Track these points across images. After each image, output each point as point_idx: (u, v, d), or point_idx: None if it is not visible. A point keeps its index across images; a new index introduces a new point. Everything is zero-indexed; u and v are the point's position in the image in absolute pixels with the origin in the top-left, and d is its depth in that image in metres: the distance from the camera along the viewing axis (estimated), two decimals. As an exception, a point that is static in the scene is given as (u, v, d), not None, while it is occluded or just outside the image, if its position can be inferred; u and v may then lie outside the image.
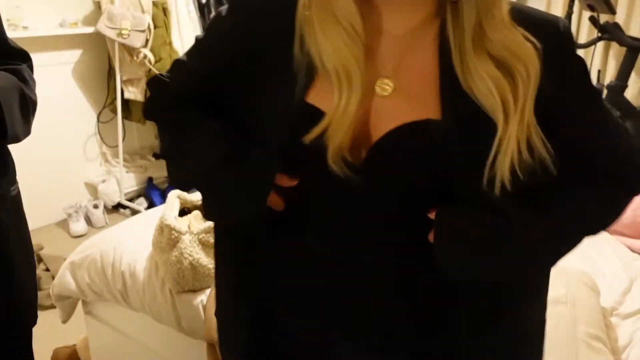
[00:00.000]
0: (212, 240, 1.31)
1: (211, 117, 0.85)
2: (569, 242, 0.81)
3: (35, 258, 2.88)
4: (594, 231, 0.83)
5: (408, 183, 0.77)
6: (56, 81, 3.37)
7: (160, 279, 1.66)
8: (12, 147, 1.34)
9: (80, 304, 1.98)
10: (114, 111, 3.55)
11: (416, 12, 0.76)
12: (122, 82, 3.41)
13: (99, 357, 2.05)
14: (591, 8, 2.79)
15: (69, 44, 3.41)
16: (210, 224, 1.57)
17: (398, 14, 0.76)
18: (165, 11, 3.34)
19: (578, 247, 0.81)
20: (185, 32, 3.41)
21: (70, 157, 3.56)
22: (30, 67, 1.36)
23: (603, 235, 1.98)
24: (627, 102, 2.83)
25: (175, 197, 1.78)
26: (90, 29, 3.35)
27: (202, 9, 3.52)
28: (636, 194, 0.83)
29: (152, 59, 3.23)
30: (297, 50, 0.76)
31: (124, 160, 3.67)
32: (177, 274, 1.58)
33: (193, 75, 0.88)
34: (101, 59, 3.56)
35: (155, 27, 3.27)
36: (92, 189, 3.69)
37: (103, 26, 3.23)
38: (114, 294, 1.77)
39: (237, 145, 0.80)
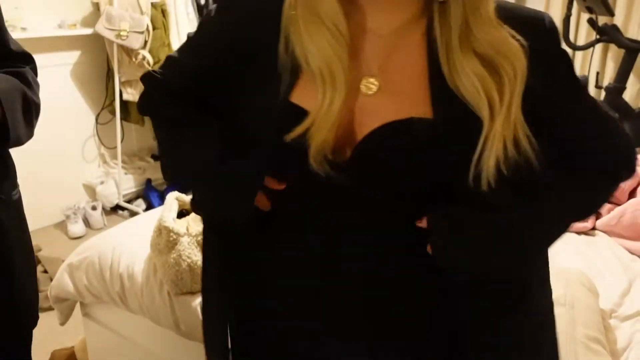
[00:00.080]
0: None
1: (204, 114, 0.86)
2: (558, 228, 0.83)
3: (35, 262, 2.89)
4: (581, 216, 0.86)
5: (393, 182, 0.78)
6: (55, 82, 3.37)
7: (158, 281, 1.65)
8: (10, 148, 1.34)
9: (78, 306, 1.97)
10: (113, 112, 3.55)
11: (401, 12, 0.76)
12: (121, 83, 3.40)
13: (97, 359, 2.04)
14: (590, 10, 2.79)
15: (67, 45, 3.41)
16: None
17: (382, 14, 0.77)
18: (164, 12, 3.34)
19: (567, 231, 0.83)
20: (184, 34, 3.41)
21: (69, 158, 3.56)
22: (34, 70, 1.36)
23: (602, 237, 1.98)
24: (626, 103, 2.84)
25: (173, 198, 1.78)
26: (88, 31, 3.35)
27: (201, 10, 3.52)
28: (621, 181, 0.85)
29: (151, 61, 3.23)
30: (282, 50, 0.76)
31: (123, 161, 3.67)
32: (175, 276, 1.57)
33: (184, 73, 0.89)
34: (100, 60, 3.56)
35: (154, 28, 3.26)
36: (91, 191, 3.69)
37: (102, 27, 3.23)
38: (112, 296, 1.77)
39: (228, 144, 0.81)
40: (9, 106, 1.20)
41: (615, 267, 1.76)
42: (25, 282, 1.44)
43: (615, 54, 3.05)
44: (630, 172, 0.86)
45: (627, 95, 2.93)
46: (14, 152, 1.37)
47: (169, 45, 3.34)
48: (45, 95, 3.47)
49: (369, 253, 0.81)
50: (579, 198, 0.83)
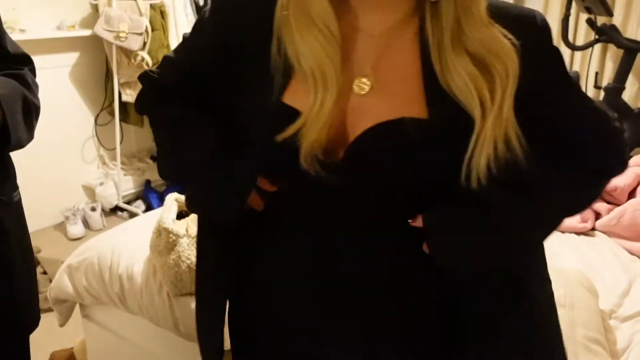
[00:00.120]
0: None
1: (200, 113, 0.87)
2: (551, 223, 0.84)
3: (34, 262, 2.89)
4: (575, 211, 0.86)
5: (386, 182, 0.78)
6: (54, 84, 3.36)
7: (158, 282, 1.65)
8: (10, 152, 1.34)
9: (77, 307, 1.97)
10: (112, 114, 3.55)
11: (392, 12, 0.77)
12: (120, 84, 3.40)
13: (97, 360, 2.04)
14: (588, 10, 2.79)
15: (66, 47, 3.40)
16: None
17: (374, 14, 0.77)
18: (162, 14, 3.33)
19: (560, 226, 0.85)
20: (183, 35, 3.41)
21: (68, 159, 3.56)
22: (32, 71, 1.36)
23: (602, 238, 1.98)
24: (625, 103, 2.84)
25: (173, 199, 1.77)
26: (87, 32, 3.35)
27: (200, 12, 3.52)
28: (613, 176, 0.86)
29: (150, 62, 3.23)
30: (275, 51, 0.77)
31: (122, 163, 3.66)
32: (174, 277, 1.57)
33: (180, 72, 0.89)
34: (99, 61, 3.56)
35: (152, 29, 3.26)
36: (90, 192, 3.68)
37: (100, 29, 3.23)
38: (111, 297, 1.77)
39: (224, 142, 0.82)
40: (10, 110, 1.20)
41: (614, 267, 1.76)
42: (25, 283, 1.44)
43: (614, 54, 3.05)
44: (622, 166, 0.86)
45: (626, 96, 2.93)
46: (13, 153, 1.37)
47: (167, 46, 3.34)
48: (45, 96, 3.46)
49: (363, 253, 0.82)
50: (571, 193, 0.83)
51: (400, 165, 0.76)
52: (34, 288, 1.49)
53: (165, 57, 0.92)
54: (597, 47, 3.01)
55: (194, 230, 1.62)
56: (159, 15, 3.31)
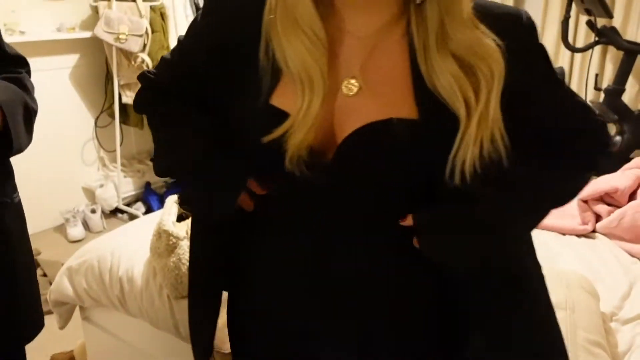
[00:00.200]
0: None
1: (195, 112, 0.88)
2: (536, 215, 0.85)
3: (35, 263, 2.88)
4: (560, 203, 0.86)
5: (376, 182, 0.79)
6: (54, 86, 3.37)
7: (158, 284, 1.65)
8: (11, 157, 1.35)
9: (77, 309, 1.97)
10: (112, 116, 3.55)
11: (379, 13, 0.77)
12: (120, 86, 3.40)
13: (97, 363, 2.04)
14: (588, 12, 2.80)
15: (66, 49, 3.41)
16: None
17: (361, 16, 0.77)
18: (162, 16, 3.34)
19: (545, 218, 0.86)
20: (183, 37, 3.41)
21: (68, 161, 3.56)
22: (28, 73, 1.36)
23: (602, 240, 1.98)
24: (625, 105, 2.84)
25: (173, 202, 1.77)
26: (87, 34, 3.35)
27: (200, 14, 3.52)
28: (598, 169, 0.87)
29: (150, 64, 3.23)
30: (263, 54, 0.78)
31: (122, 164, 3.66)
32: (175, 280, 1.57)
33: (175, 73, 0.91)
34: (99, 63, 3.56)
35: (152, 31, 3.26)
36: (90, 194, 3.68)
37: (100, 31, 3.23)
38: (111, 300, 1.77)
39: (217, 141, 0.84)
40: (12, 116, 1.21)
41: (615, 270, 1.75)
42: (27, 284, 1.45)
43: (614, 55, 3.05)
44: (607, 158, 0.88)
45: (626, 97, 2.93)
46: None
47: (168, 48, 3.34)
48: (45, 98, 3.47)
49: (358, 253, 0.83)
50: (557, 185, 0.85)
51: (389, 165, 0.77)
52: (35, 289, 1.50)
53: (162, 58, 0.94)
54: (597, 48, 3.01)
55: (194, 232, 1.62)
56: (159, 17, 3.32)
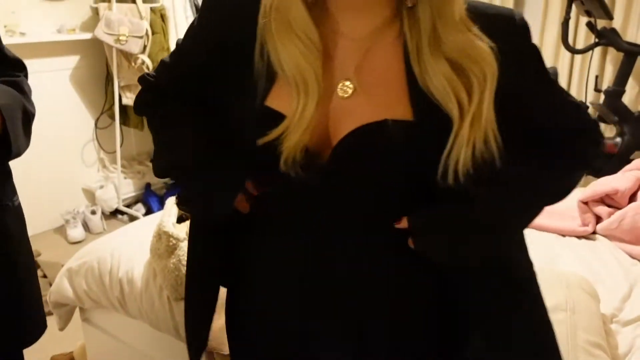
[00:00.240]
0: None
1: (193, 114, 0.89)
2: (531, 211, 0.87)
3: (35, 264, 2.88)
4: (552, 201, 0.88)
5: (372, 183, 0.80)
6: (54, 87, 3.37)
7: (158, 286, 1.65)
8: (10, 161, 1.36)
9: (77, 311, 1.97)
10: (112, 117, 3.55)
11: (371, 16, 0.78)
12: (120, 88, 3.40)
13: (97, 364, 2.04)
14: (588, 14, 2.80)
15: (66, 50, 3.41)
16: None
17: (354, 19, 0.78)
18: (163, 17, 3.34)
19: (539, 215, 0.88)
20: (183, 38, 3.41)
21: (68, 163, 3.55)
22: (26, 76, 1.37)
23: (603, 241, 1.98)
24: (625, 107, 2.84)
25: (173, 203, 1.77)
26: (88, 35, 3.35)
27: (200, 15, 3.52)
28: (591, 167, 0.89)
29: (150, 65, 3.23)
30: (258, 56, 0.79)
31: (122, 166, 3.66)
32: (175, 281, 1.57)
33: (173, 75, 0.92)
34: (99, 65, 3.56)
35: (153, 33, 3.27)
36: (90, 195, 3.68)
37: (101, 32, 3.23)
38: (111, 301, 1.77)
39: (216, 143, 0.85)
40: (11, 121, 1.22)
41: (615, 271, 1.75)
42: (27, 284, 1.45)
43: (614, 57, 3.05)
44: (599, 157, 0.89)
45: (627, 99, 2.93)
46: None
47: (168, 49, 3.34)
48: (45, 99, 3.48)
49: (360, 252, 0.84)
50: (550, 182, 0.86)
51: (384, 166, 0.78)
52: (36, 292, 1.50)
53: (161, 61, 0.95)
54: (597, 50, 3.01)
55: (194, 234, 1.62)
56: (159, 18, 3.32)
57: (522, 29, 0.79)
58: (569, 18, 2.90)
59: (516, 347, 0.85)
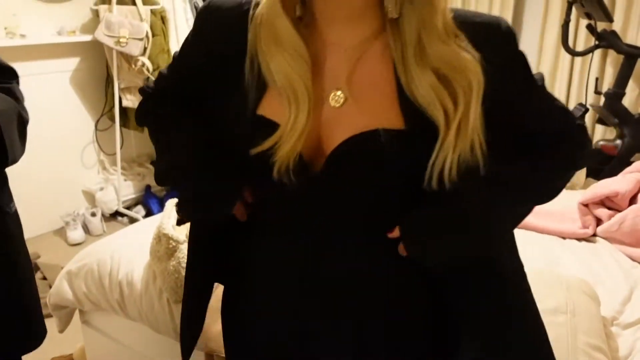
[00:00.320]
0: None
1: (192, 122, 0.91)
2: (519, 212, 0.88)
3: (33, 266, 2.88)
4: (540, 201, 0.89)
5: (366, 190, 0.82)
6: (54, 89, 3.37)
7: (157, 288, 1.65)
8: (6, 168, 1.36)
9: (77, 313, 1.97)
10: (112, 119, 3.55)
11: (359, 27, 0.79)
12: (120, 90, 3.40)
13: (96, 367, 2.03)
14: (588, 16, 2.80)
15: (66, 52, 3.41)
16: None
17: (343, 30, 0.79)
18: (163, 19, 3.34)
19: (527, 216, 0.90)
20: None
21: (68, 164, 3.55)
22: (18, 83, 1.37)
23: (603, 244, 1.97)
24: (625, 109, 2.84)
25: (173, 205, 1.77)
26: (88, 37, 3.35)
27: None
28: (578, 169, 0.91)
29: (150, 67, 3.23)
30: (248, 67, 0.80)
31: (122, 168, 3.66)
32: (174, 284, 1.57)
33: (170, 86, 0.95)
34: (99, 67, 3.56)
35: (153, 35, 3.27)
36: (90, 197, 3.68)
37: (101, 34, 3.23)
38: (111, 304, 1.76)
39: (213, 151, 0.87)
40: (7, 129, 1.22)
41: (616, 274, 1.75)
42: (27, 286, 1.46)
43: (614, 59, 3.05)
44: (586, 161, 0.89)
45: (627, 101, 2.93)
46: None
47: (168, 51, 3.34)
48: (45, 101, 3.47)
49: (359, 253, 0.85)
50: (538, 184, 0.87)
51: (377, 174, 0.79)
52: (35, 294, 1.50)
53: (160, 72, 0.98)
54: (598, 52, 3.01)
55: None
56: (160, 20, 3.32)
57: (508, 36, 0.80)
58: (569, 20, 2.90)
59: (509, 347, 0.86)
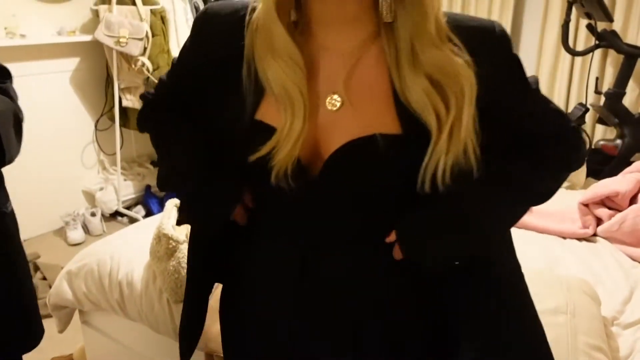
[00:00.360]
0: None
1: (191, 129, 0.92)
2: (513, 213, 0.88)
3: (32, 266, 2.87)
4: (535, 202, 0.90)
5: (364, 194, 0.82)
6: (54, 89, 3.37)
7: (157, 288, 1.65)
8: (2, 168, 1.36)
9: (77, 313, 1.97)
10: (112, 119, 3.55)
11: (355, 32, 0.79)
12: (120, 90, 3.40)
13: (96, 367, 2.03)
14: (589, 16, 2.79)
15: (66, 52, 3.41)
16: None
17: (339, 35, 0.80)
18: (163, 19, 3.33)
19: (523, 216, 0.90)
20: (183, 40, 3.39)
21: (68, 164, 3.55)
22: (11, 82, 1.37)
23: (603, 244, 1.97)
24: (625, 109, 2.84)
25: (173, 205, 1.77)
26: (88, 37, 3.35)
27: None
28: (572, 171, 0.91)
29: (150, 67, 3.23)
30: (245, 74, 0.81)
31: (122, 168, 3.66)
32: (174, 284, 1.57)
33: (170, 93, 0.96)
34: (99, 67, 3.56)
35: (153, 35, 3.26)
36: (90, 197, 3.68)
37: (101, 34, 3.23)
38: (111, 304, 1.76)
39: (212, 158, 0.88)
40: (5, 129, 1.23)
41: (616, 274, 1.75)
42: (26, 286, 1.46)
43: (614, 59, 3.04)
44: (580, 163, 0.91)
45: (627, 101, 2.93)
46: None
47: (168, 51, 3.34)
48: (45, 101, 3.47)
49: (359, 253, 0.86)
50: (532, 185, 0.87)
51: (375, 178, 0.80)
52: (33, 295, 1.50)
53: (160, 79, 0.99)
54: (598, 52, 3.01)
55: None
56: (160, 20, 3.31)
57: (503, 40, 0.80)
58: (569, 20, 2.89)
59: (508, 348, 0.87)
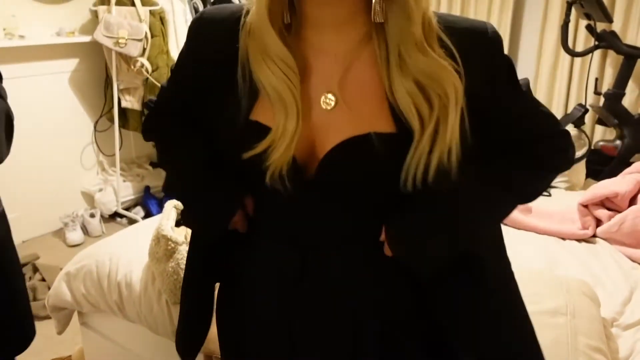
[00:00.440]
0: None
1: (192, 134, 0.93)
2: (499, 212, 0.89)
3: (31, 268, 2.87)
4: (522, 200, 0.91)
5: (360, 192, 0.82)
6: (53, 90, 3.36)
7: (156, 289, 1.65)
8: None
9: (75, 314, 1.96)
10: (111, 120, 3.54)
11: (349, 33, 0.80)
12: (119, 90, 3.40)
13: (95, 368, 2.03)
14: (588, 17, 2.80)
15: (65, 53, 3.40)
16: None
17: (332, 36, 0.80)
18: (162, 20, 3.33)
19: (510, 214, 0.91)
20: (183, 41, 3.39)
21: (67, 165, 3.55)
22: (1, 81, 1.36)
23: (603, 245, 1.97)
24: (625, 109, 2.84)
25: (172, 206, 1.77)
26: (87, 38, 3.35)
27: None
28: (559, 172, 0.92)
29: (149, 68, 3.23)
30: (240, 76, 0.81)
31: (121, 169, 3.66)
32: (173, 285, 1.57)
33: (171, 99, 0.97)
34: (98, 67, 3.55)
35: (152, 36, 3.26)
36: (89, 198, 3.68)
37: (100, 35, 3.23)
38: (109, 305, 1.76)
39: (212, 163, 0.89)
40: None
41: (616, 275, 1.75)
42: (19, 286, 1.46)
43: (614, 60, 3.04)
44: (568, 165, 0.92)
45: (626, 101, 2.93)
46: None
47: (167, 52, 3.34)
48: (44, 102, 3.48)
49: (359, 253, 0.86)
50: (518, 183, 0.88)
51: (371, 177, 0.80)
52: (25, 296, 1.50)
53: (161, 86, 1.00)
54: (597, 53, 3.01)
55: (193, 237, 1.62)
56: (159, 21, 3.31)
57: (494, 41, 0.80)
58: (569, 21, 2.89)
59: (500, 348, 0.87)
